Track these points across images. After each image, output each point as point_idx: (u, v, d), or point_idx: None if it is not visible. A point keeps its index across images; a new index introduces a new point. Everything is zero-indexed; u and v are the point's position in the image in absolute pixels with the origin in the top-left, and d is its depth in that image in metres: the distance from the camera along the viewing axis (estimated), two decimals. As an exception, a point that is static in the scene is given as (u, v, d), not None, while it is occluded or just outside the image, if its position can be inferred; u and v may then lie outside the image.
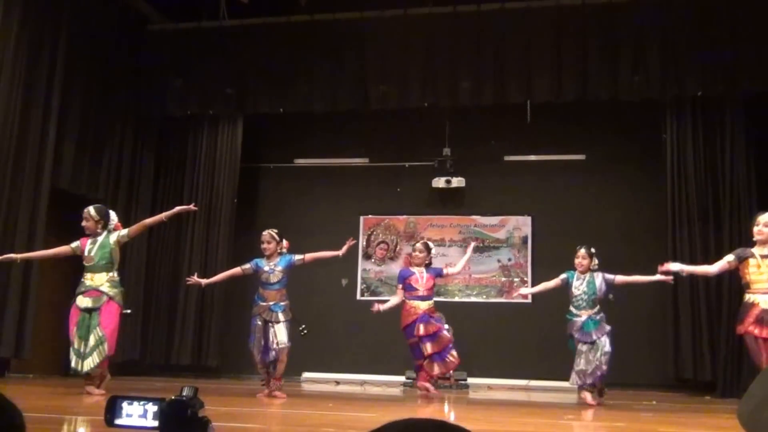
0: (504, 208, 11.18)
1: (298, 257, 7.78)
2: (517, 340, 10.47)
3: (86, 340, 6.89)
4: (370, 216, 11.55)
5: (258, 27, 10.18)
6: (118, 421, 1.58)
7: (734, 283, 8.99)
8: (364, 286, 11.34)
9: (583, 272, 7.60)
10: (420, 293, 8.18)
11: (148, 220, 7.71)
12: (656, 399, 8.27)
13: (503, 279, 11.01)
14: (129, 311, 7.74)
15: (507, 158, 11.26)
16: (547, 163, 11.14)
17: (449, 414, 6.30)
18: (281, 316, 7.60)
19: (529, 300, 10.83)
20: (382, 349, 10.17)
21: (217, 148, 11.03)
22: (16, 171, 8.23)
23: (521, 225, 11.09)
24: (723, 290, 9.04)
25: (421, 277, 8.22)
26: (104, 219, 7.25)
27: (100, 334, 6.88)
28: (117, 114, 10.15)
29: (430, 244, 8.65)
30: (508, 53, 9.52)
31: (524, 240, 11.04)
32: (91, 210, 7.24)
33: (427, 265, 8.40)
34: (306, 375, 10.70)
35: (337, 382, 10.28)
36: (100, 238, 7.16)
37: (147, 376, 9.88)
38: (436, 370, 8.07)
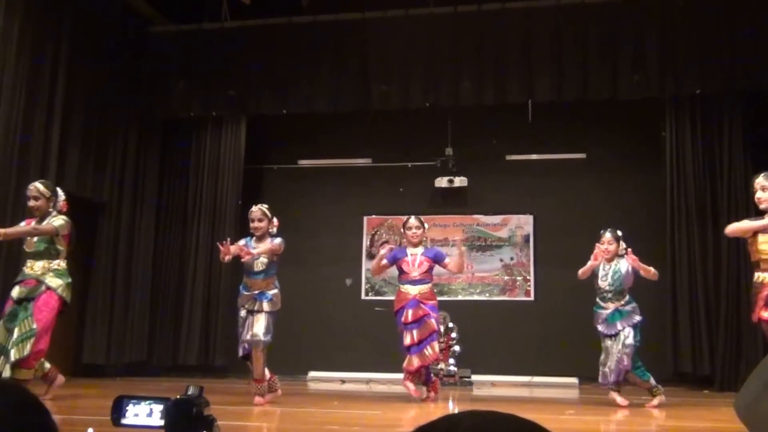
0: (506, 207, 11.22)
1: (278, 240, 7.00)
2: (519, 338, 10.53)
3: (11, 333, 6.04)
4: (373, 216, 11.59)
5: (260, 28, 10.23)
6: (124, 421, 1.63)
7: (732, 278, 9.07)
8: (368, 285, 11.39)
9: (609, 260, 7.15)
10: (411, 277, 7.42)
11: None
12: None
13: (506, 278, 11.06)
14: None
15: (509, 157, 11.30)
16: (549, 162, 11.19)
17: (453, 411, 6.35)
18: (266, 306, 6.87)
19: (532, 297, 10.90)
20: (387, 347, 10.22)
21: (220, 149, 11.07)
22: (21, 174, 8.16)
23: (523, 224, 11.15)
24: (721, 285, 9.10)
25: (413, 260, 7.46)
26: (55, 196, 6.57)
27: (31, 326, 6.07)
28: (120, 116, 10.18)
29: (421, 218, 7.85)
30: (509, 53, 9.57)
31: (526, 239, 11.09)
32: (39, 186, 6.54)
33: (424, 244, 7.67)
34: (312, 374, 10.77)
35: (343, 381, 10.35)
36: (45, 221, 6.43)
37: (154, 377, 9.95)
38: (415, 362, 7.20)
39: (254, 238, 7.08)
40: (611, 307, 7.05)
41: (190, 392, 1.60)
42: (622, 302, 7.06)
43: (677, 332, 9.33)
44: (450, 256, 7.83)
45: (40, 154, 8.51)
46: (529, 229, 11.12)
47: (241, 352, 6.97)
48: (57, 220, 6.50)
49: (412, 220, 7.68)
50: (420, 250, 7.55)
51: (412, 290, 7.39)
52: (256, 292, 6.94)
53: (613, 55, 9.24)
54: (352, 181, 11.60)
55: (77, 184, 9.20)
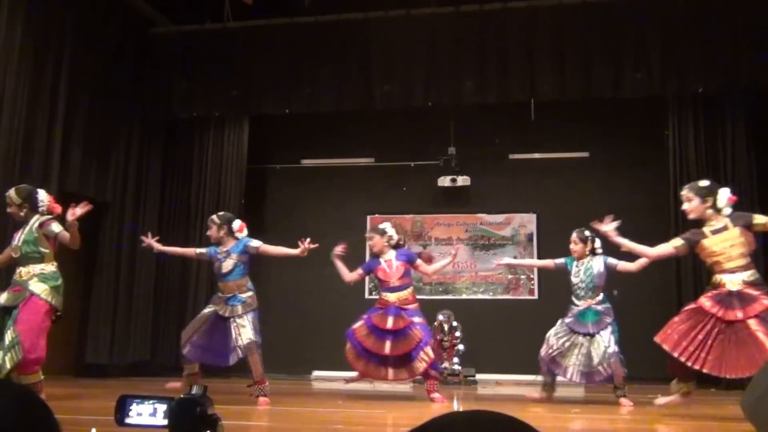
0: (509, 205, 11.24)
1: (253, 244, 6.88)
2: (523, 336, 10.48)
3: (2, 342, 5.83)
4: (376, 215, 11.58)
5: (262, 28, 10.23)
6: (128, 421, 1.62)
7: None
8: (372, 285, 11.37)
9: (579, 258, 7.25)
10: (390, 285, 7.29)
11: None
12: (661, 392, 8.28)
13: (509, 276, 11.07)
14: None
15: (512, 156, 11.32)
16: (552, 161, 11.20)
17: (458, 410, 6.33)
18: (241, 309, 6.73)
19: (536, 296, 10.90)
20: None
21: (223, 149, 11.08)
22: (23, 175, 8.11)
23: (526, 222, 11.15)
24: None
25: (389, 267, 7.33)
26: (28, 201, 6.25)
27: (13, 335, 5.80)
28: (123, 117, 10.18)
29: (383, 226, 7.59)
30: (511, 52, 9.56)
31: (529, 237, 11.09)
32: (11, 194, 6.27)
33: (399, 248, 7.49)
34: (316, 373, 10.76)
35: (347, 380, 10.32)
36: (27, 225, 6.21)
37: (157, 377, 9.93)
38: (391, 375, 7.21)
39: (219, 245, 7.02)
40: (583, 305, 7.10)
41: (193, 392, 1.59)
42: (596, 300, 7.10)
43: (682, 330, 9.31)
44: (437, 260, 7.73)
45: (43, 156, 8.52)
46: (532, 227, 11.13)
47: (187, 345, 6.93)
48: (56, 226, 6.26)
49: (367, 232, 7.55)
50: (393, 254, 7.41)
51: (391, 297, 7.29)
52: (228, 295, 6.85)
53: (616, 53, 9.23)
54: (355, 180, 11.60)
55: (80, 185, 9.21)
